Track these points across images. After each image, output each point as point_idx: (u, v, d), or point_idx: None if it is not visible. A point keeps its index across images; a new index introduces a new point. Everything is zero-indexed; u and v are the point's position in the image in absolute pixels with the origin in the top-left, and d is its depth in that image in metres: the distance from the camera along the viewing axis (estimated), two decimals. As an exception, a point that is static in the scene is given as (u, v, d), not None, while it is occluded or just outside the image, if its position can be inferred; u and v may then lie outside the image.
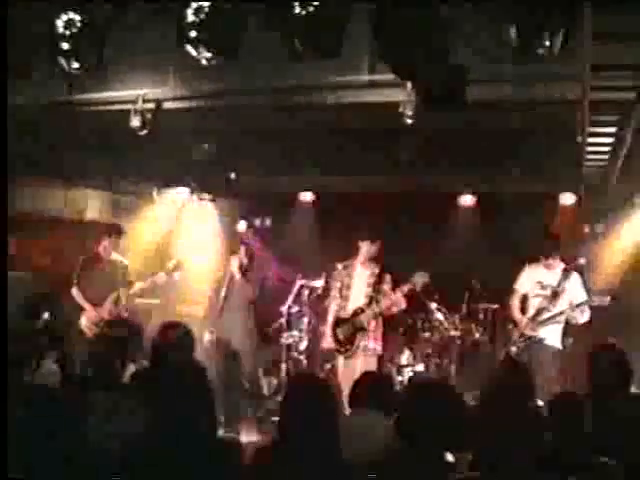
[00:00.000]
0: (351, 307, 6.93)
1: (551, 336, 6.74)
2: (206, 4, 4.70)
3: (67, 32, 5.06)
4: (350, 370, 6.62)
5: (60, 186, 8.75)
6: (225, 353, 7.35)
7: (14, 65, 5.40)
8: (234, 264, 7.47)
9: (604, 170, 6.75)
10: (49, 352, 4.95)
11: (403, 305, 6.86)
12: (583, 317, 6.67)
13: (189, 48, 4.83)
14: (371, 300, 6.83)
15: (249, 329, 7.52)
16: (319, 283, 8.41)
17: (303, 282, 8.61)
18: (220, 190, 9.82)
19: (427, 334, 8.39)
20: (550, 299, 6.74)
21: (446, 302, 8.44)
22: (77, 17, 5.05)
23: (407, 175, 8.63)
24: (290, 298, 8.60)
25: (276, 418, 3.27)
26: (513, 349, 6.83)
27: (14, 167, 5.08)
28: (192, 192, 9.80)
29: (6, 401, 3.01)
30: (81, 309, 7.22)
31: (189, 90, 5.88)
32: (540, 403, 4.21)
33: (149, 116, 6.04)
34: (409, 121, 5.38)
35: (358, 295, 6.94)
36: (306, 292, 8.62)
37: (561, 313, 6.68)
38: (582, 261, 7.07)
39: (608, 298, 6.85)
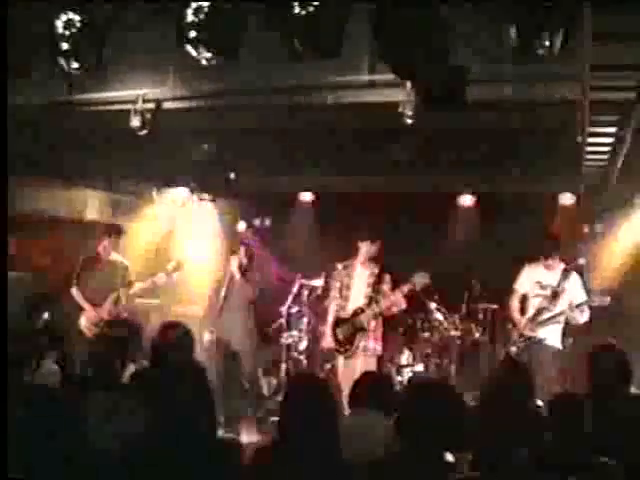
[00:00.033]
0: (351, 307, 6.92)
1: (551, 336, 6.73)
2: (206, 4, 4.69)
3: (67, 32, 5.06)
4: (350, 370, 6.62)
5: (60, 186, 8.73)
6: (225, 353, 7.36)
7: (14, 65, 5.40)
8: (234, 264, 7.47)
9: (604, 170, 6.74)
10: (49, 352, 4.93)
11: (403, 305, 6.85)
12: (583, 317, 6.67)
13: (189, 48, 4.83)
14: (371, 300, 6.82)
15: (249, 329, 7.53)
16: (319, 283, 8.41)
17: (303, 282, 8.61)
18: (220, 190, 9.81)
19: (427, 334, 8.39)
20: (550, 299, 6.73)
21: (446, 302, 8.44)
22: (77, 17, 5.05)
23: (407, 175, 8.63)
24: (290, 298, 8.59)
25: (276, 418, 3.28)
26: (513, 349, 6.83)
27: (14, 167, 5.06)
28: (192, 192, 9.80)
29: (6, 401, 3.01)
30: (81, 309, 7.21)
31: (189, 90, 5.87)
32: (540, 403, 4.21)
33: (149, 116, 6.04)
34: (409, 121, 5.38)
35: (358, 295, 6.93)
36: (306, 292, 8.62)
37: (561, 313, 6.68)
38: (582, 261, 7.09)
39: (608, 298, 6.82)
